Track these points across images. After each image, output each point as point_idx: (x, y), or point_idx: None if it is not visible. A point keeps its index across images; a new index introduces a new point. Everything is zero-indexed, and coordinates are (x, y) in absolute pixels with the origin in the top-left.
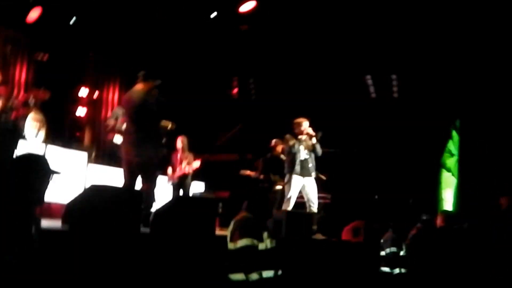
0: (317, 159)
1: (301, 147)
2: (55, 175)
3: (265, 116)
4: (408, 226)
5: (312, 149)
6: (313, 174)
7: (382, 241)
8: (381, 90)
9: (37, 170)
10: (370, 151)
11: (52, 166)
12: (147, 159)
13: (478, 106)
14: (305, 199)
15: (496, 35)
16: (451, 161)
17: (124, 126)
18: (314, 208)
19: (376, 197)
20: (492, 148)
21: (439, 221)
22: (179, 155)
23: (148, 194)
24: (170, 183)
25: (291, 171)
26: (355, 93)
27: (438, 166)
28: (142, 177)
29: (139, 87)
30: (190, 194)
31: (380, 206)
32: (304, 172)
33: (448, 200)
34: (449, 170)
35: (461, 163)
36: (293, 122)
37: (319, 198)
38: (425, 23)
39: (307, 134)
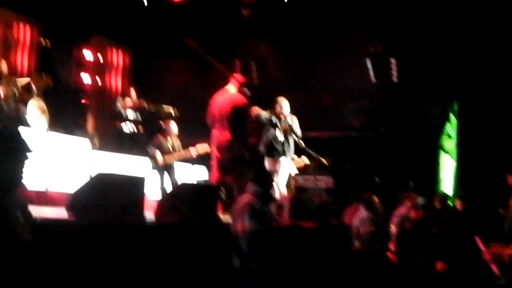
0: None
1: (276, 128)
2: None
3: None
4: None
5: (289, 131)
6: (288, 155)
7: None
8: (380, 73)
9: (10, 147)
10: (370, 134)
11: (27, 144)
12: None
13: (475, 89)
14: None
15: (493, 17)
16: (450, 144)
17: None
18: (276, 193)
19: (377, 179)
20: (490, 130)
21: (437, 203)
22: (170, 140)
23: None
24: (156, 167)
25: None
26: (355, 76)
27: (436, 148)
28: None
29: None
30: (194, 181)
31: (381, 188)
32: (277, 154)
33: (446, 181)
34: (447, 152)
35: (459, 146)
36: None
37: (322, 181)
38: (423, 6)
39: (282, 114)
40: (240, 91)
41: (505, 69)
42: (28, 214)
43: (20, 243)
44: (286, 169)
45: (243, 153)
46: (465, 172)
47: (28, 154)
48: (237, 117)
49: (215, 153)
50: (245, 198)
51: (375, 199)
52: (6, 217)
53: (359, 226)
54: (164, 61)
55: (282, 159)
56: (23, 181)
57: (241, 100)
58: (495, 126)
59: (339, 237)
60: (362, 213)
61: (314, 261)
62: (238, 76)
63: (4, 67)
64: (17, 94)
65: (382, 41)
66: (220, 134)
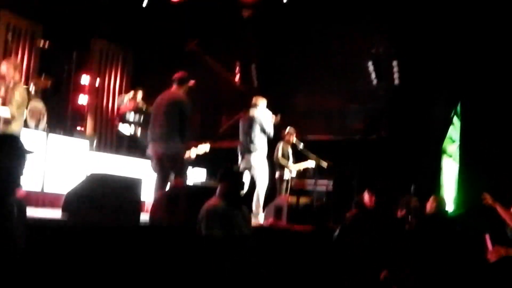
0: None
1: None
2: (29, 155)
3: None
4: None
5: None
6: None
7: None
8: (382, 76)
9: (10, 150)
10: (372, 138)
11: (26, 146)
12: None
13: (479, 90)
14: None
15: (496, 18)
16: (453, 147)
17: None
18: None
19: (378, 184)
20: (494, 131)
21: (429, 206)
22: None
23: None
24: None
25: None
26: (357, 79)
27: (438, 152)
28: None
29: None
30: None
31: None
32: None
33: (448, 185)
34: (450, 156)
35: (463, 148)
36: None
37: (322, 184)
38: (424, 7)
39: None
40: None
41: (509, 70)
42: (24, 218)
43: (15, 246)
44: (262, 167)
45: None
46: (468, 175)
47: (26, 155)
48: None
49: None
50: (211, 201)
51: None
52: (4, 219)
53: None
54: (164, 63)
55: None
56: (22, 182)
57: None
58: (499, 128)
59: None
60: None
61: (307, 265)
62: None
63: (4, 69)
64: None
65: (384, 43)
66: None
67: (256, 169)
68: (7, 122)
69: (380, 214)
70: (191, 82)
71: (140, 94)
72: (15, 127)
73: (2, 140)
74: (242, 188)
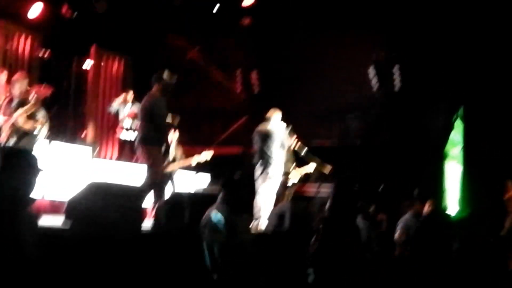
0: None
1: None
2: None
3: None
4: None
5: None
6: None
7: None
8: (383, 81)
9: (26, 167)
10: (374, 143)
11: (40, 163)
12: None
13: (481, 93)
14: None
15: (498, 20)
16: (455, 150)
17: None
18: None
19: (381, 188)
20: (496, 133)
21: (426, 210)
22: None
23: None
24: None
25: None
26: (358, 85)
27: (441, 156)
28: None
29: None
30: (193, 190)
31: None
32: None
33: (452, 188)
34: (453, 159)
35: (466, 150)
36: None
37: (324, 190)
38: (425, 12)
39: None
40: None
41: (511, 72)
42: (36, 229)
43: (24, 261)
44: (277, 178)
45: None
46: (472, 177)
47: (38, 173)
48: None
49: None
50: (213, 208)
51: (371, 207)
52: (14, 235)
53: None
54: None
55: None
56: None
57: None
58: (501, 130)
59: None
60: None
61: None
62: None
63: (3, 78)
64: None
65: (385, 48)
66: None
67: (271, 179)
68: (26, 135)
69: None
70: (168, 75)
71: (130, 95)
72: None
73: (17, 155)
74: (244, 195)
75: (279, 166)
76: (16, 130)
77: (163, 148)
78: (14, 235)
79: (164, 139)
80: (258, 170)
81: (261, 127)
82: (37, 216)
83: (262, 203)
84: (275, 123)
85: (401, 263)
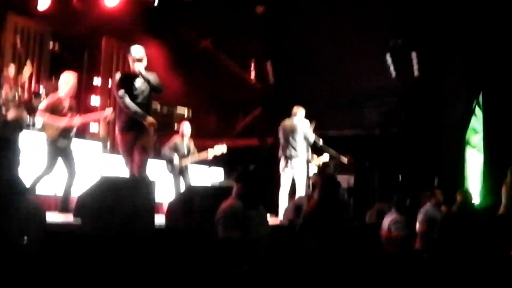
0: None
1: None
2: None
3: (285, 99)
4: None
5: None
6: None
7: None
8: (401, 69)
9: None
10: (392, 132)
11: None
12: None
13: (501, 80)
14: None
15: None
16: (476, 138)
17: None
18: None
19: (400, 177)
20: None
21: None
22: (185, 141)
23: None
24: (173, 171)
25: None
26: (375, 73)
27: (461, 144)
28: None
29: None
30: (209, 184)
31: (404, 186)
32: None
33: (473, 177)
34: (474, 147)
35: (486, 139)
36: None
37: (342, 181)
38: None
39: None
40: None
41: None
42: (42, 223)
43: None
44: (303, 172)
45: None
46: (493, 166)
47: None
48: None
49: None
50: (228, 202)
51: (407, 201)
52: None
53: (391, 229)
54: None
55: (296, 160)
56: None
57: None
58: None
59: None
60: (393, 215)
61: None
62: None
63: (12, 72)
64: (17, 98)
65: (402, 34)
66: None
67: (297, 174)
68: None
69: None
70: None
71: None
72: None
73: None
74: (260, 188)
75: (303, 160)
76: None
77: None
78: (11, 222)
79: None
80: (282, 163)
81: (286, 122)
82: (43, 210)
83: (284, 196)
84: (300, 118)
85: (422, 259)
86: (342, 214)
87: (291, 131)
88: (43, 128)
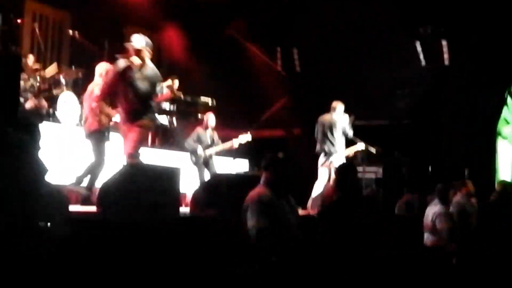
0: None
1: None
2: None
3: (312, 89)
4: None
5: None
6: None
7: None
8: (430, 57)
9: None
10: (422, 122)
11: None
12: None
13: None
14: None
15: None
16: (508, 129)
17: None
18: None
19: (430, 168)
20: None
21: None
22: (209, 132)
23: None
24: (197, 162)
25: None
26: (404, 61)
27: (493, 134)
28: None
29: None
30: (234, 172)
31: (433, 177)
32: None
33: (504, 168)
34: (505, 138)
35: None
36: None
37: (371, 172)
38: None
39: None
40: None
41: None
42: (64, 210)
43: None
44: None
45: None
46: None
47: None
48: None
49: None
50: (256, 190)
51: (451, 192)
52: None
53: (435, 221)
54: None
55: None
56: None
57: None
58: None
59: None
60: (437, 207)
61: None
62: None
63: (30, 61)
64: (35, 88)
65: (432, 22)
66: None
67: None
68: None
69: None
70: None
71: (176, 83)
72: None
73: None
74: (288, 176)
75: (342, 156)
76: None
77: None
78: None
79: None
80: (322, 159)
81: (325, 116)
82: (65, 194)
83: (318, 189)
84: (339, 113)
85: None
86: (363, 206)
87: (330, 127)
88: (96, 116)
